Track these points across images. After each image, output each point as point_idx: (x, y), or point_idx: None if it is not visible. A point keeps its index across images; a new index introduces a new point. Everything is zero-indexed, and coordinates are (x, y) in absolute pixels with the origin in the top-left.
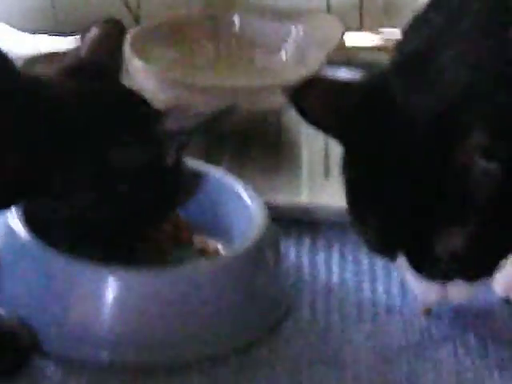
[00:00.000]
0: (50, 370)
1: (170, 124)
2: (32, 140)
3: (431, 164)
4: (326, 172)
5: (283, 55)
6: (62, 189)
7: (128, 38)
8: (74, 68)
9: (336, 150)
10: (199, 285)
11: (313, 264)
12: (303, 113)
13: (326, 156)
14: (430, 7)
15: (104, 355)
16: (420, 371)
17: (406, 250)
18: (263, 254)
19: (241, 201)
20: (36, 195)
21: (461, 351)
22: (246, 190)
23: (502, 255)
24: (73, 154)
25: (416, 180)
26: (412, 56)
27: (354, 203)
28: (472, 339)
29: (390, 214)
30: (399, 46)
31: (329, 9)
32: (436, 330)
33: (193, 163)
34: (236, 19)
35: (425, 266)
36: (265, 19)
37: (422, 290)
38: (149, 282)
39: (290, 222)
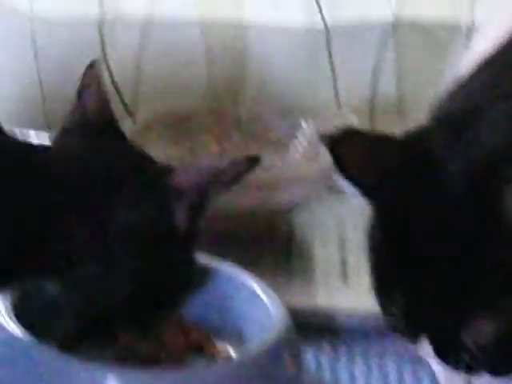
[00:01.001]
0: None
1: (181, 180)
2: (20, 205)
3: (471, 235)
4: (344, 274)
5: (293, 152)
6: (59, 263)
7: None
8: (74, 125)
9: (353, 250)
10: None
11: (334, 372)
12: (339, 162)
13: (343, 257)
14: (472, 74)
15: None
16: None
17: (431, 334)
18: (281, 358)
19: (256, 299)
20: (29, 276)
21: None
22: (262, 287)
23: None
24: (70, 219)
25: (453, 254)
26: (454, 116)
27: (379, 275)
28: None
29: (419, 291)
30: (442, 105)
31: (339, 106)
32: None
33: (200, 257)
34: (242, 113)
35: (449, 354)
36: (273, 114)
37: (447, 379)
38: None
39: (308, 326)
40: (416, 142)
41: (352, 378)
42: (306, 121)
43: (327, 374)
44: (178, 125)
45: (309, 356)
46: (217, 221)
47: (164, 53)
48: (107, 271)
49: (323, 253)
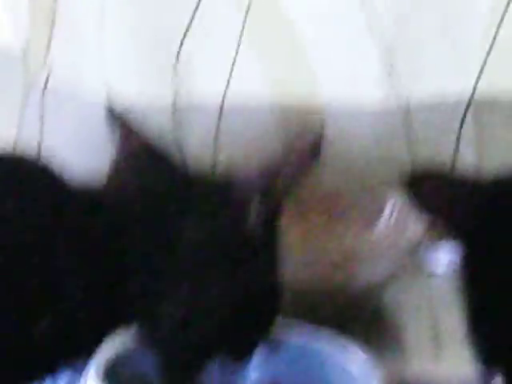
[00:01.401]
0: None
1: (246, 184)
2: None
3: None
4: (437, 353)
5: (379, 229)
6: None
7: None
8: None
9: (446, 325)
10: None
11: None
12: (420, 203)
13: (435, 334)
14: None
15: None
16: None
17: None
18: None
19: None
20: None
21: None
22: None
23: None
24: (140, 254)
25: None
26: None
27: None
28: None
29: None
30: None
31: None
32: None
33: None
34: (322, 192)
35: None
36: (354, 190)
37: None
38: None
39: None
40: (503, 185)
41: None
42: (391, 196)
43: None
44: None
45: None
46: (302, 298)
47: (239, 138)
48: (192, 301)
49: (415, 330)
